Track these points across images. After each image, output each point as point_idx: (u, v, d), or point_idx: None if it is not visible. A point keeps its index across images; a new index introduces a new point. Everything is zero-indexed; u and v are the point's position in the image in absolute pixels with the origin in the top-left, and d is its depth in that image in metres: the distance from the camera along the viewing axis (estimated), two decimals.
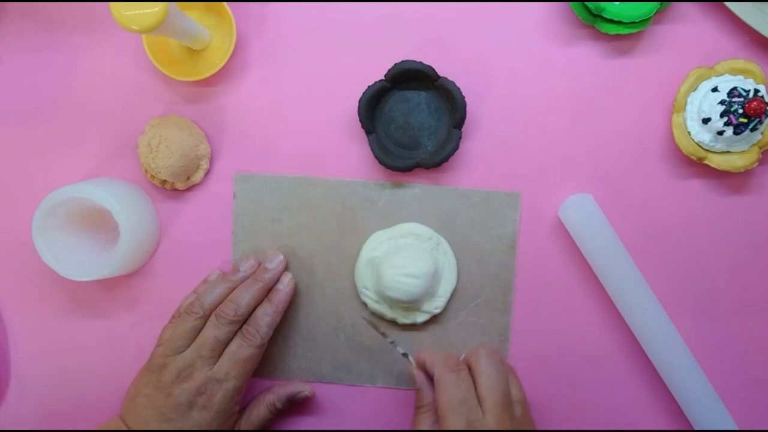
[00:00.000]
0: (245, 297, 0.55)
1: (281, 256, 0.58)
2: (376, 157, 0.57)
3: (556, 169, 0.59)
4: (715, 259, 0.59)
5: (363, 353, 0.60)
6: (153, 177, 0.59)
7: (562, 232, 0.59)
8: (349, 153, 0.59)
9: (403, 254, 0.56)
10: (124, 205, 0.55)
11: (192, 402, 0.53)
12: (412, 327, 0.59)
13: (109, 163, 0.60)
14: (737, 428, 0.57)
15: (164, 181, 0.59)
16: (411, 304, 0.57)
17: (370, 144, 0.58)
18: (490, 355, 0.53)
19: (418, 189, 0.59)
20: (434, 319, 0.59)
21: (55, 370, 0.61)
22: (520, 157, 0.59)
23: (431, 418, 0.53)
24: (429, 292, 0.57)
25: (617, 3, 0.56)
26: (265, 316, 0.55)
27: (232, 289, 0.56)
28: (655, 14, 0.56)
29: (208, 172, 0.60)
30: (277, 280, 0.58)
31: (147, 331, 0.60)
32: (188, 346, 0.54)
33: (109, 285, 0.60)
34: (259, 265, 0.58)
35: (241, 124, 0.60)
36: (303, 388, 0.58)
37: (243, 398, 0.56)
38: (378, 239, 0.59)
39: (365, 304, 0.59)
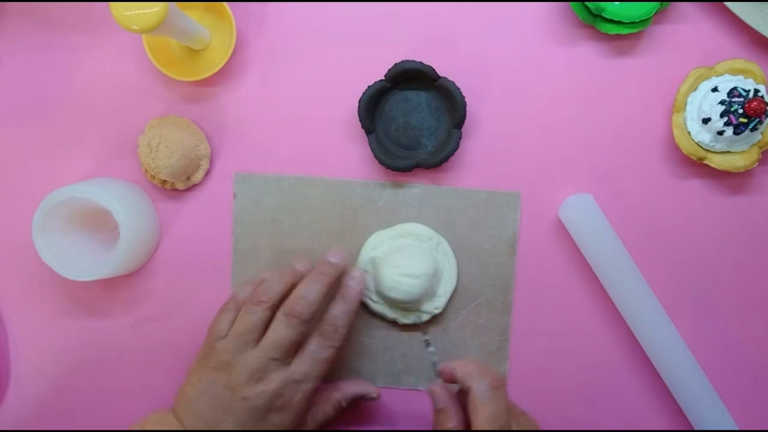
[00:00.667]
0: (313, 292, 0.52)
1: (345, 252, 0.56)
2: (376, 157, 0.57)
3: (556, 169, 0.59)
4: (715, 259, 0.59)
5: (363, 353, 0.60)
6: (153, 177, 0.59)
7: (562, 232, 0.59)
8: (349, 153, 0.59)
9: (403, 254, 0.56)
10: (124, 205, 0.55)
11: (270, 405, 0.50)
12: (413, 327, 0.59)
13: (109, 163, 0.60)
14: (737, 428, 0.57)
15: (164, 181, 0.59)
16: (411, 305, 0.57)
17: (370, 144, 0.58)
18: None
19: (419, 189, 0.59)
20: (434, 320, 0.59)
21: (55, 370, 0.61)
22: (520, 157, 0.59)
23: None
24: (429, 293, 0.57)
25: (617, 3, 0.56)
26: (344, 316, 0.53)
27: (295, 278, 0.54)
28: (655, 14, 0.56)
29: (208, 172, 0.60)
30: (343, 273, 0.55)
31: (147, 331, 0.60)
32: (256, 339, 0.51)
33: (109, 285, 0.60)
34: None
35: (241, 124, 0.60)
36: (370, 390, 0.57)
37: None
38: (378, 239, 0.59)
39: (366, 305, 0.59)
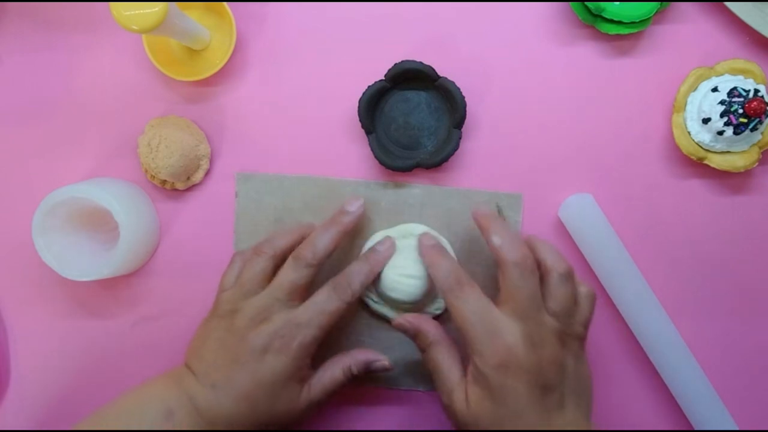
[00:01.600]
0: (323, 240, 0.53)
1: (362, 200, 0.56)
2: (376, 157, 0.57)
3: (556, 169, 0.59)
4: (715, 259, 0.59)
5: None
6: (153, 177, 0.59)
7: (562, 232, 0.59)
8: (349, 153, 0.59)
9: (405, 255, 0.56)
10: (124, 205, 0.55)
11: (268, 345, 0.50)
12: None
13: (109, 163, 0.60)
14: (737, 428, 0.57)
15: (164, 181, 0.59)
16: (412, 305, 0.57)
17: (370, 144, 0.58)
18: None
19: (421, 190, 0.59)
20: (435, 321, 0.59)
21: (55, 370, 0.61)
22: (520, 157, 0.59)
23: (448, 351, 0.51)
24: (430, 294, 0.57)
25: (617, 3, 0.56)
26: (360, 274, 0.53)
27: (303, 234, 0.55)
28: (655, 14, 0.56)
29: (208, 172, 0.60)
30: (355, 220, 0.56)
31: (147, 331, 0.60)
32: (261, 287, 0.52)
33: (109, 285, 0.60)
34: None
35: (241, 124, 0.60)
36: (381, 357, 0.55)
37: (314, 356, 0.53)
38: (379, 239, 0.59)
39: (366, 305, 0.59)
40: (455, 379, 0.50)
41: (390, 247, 0.56)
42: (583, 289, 0.51)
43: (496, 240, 0.50)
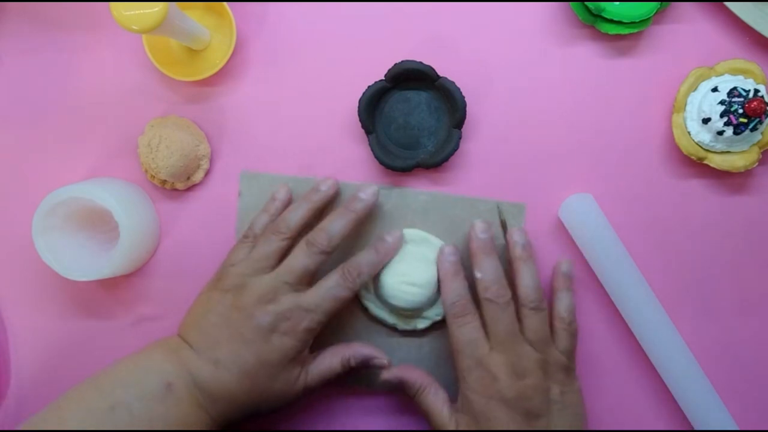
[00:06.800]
0: (337, 227, 0.53)
1: (375, 187, 0.56)
2: (376, 157, 0.57)
3: (556, 169, 0.59)
4: (715, 259, 0.59)
5: None
6: (153, 177, 0.59)
7: (562, 232, 0.59)
8: (348, 153, 0.59)
9: (407, 262, 0.56)
10: (124, 205, 0.55)
11: (274, 326, 0.51)
12: (412, 333, 0.59)
13: (109, 163, 0.60)
14: (737, 428, 0.57)
15: (164, 181, 0.59)
16: (412, 311, 0.57)
17: (370, 144, 0.58)
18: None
19: (425, 196, 0.59)
20: (435, 326, 0.59)
21: (55, 370, 0.61)
22: (520, 157, 0.59)
23: (435, 394, 0.53)
24: (431, 300, 0.57)
25: (617, 3, 0.56)
26: (369, 265, 0.54)
27: (315, 210, 0.55)
28: (655, 14, 0.56)
29: (208, 172, 0.60)
30: (369, 205, 0.56)
31: (147, 331, 0.60)
32: (272, 267, 0.52)
33: (109, 285, 0.60)
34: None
35: (241, 124, 0.60)
36: (381, 355, 0.56)
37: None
38: None
39: (365, 308, 0.59)
40: (446, 417, 0.53)
41: (398, 238, 0.56)
42: (561, 321, 0.54)
43: (478, 274, 0.53)
